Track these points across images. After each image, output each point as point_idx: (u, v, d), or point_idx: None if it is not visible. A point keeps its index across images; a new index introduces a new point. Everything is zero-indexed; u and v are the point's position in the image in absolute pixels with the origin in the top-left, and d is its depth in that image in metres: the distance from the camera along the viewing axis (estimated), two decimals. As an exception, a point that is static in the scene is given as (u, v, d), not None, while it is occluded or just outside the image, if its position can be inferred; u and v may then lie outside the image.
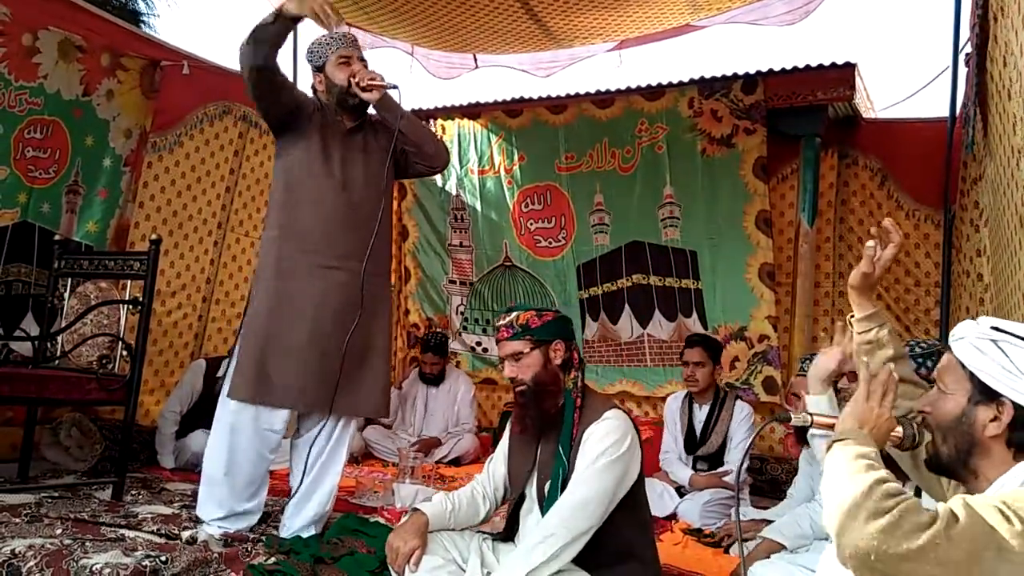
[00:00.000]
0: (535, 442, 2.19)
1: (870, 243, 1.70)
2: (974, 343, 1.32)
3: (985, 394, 1.30)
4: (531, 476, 2.19)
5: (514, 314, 2.18)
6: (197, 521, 2.66)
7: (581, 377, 2.18)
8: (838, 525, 1.13)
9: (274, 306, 2.57)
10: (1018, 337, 1.29)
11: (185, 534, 2.53)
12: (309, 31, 5.53)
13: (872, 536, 1.07)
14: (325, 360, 2.57)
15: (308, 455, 2.65)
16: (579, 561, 1.98)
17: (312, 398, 2.56)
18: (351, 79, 2.62)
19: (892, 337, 1.70)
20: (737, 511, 1.40)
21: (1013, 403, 1.26)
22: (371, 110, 2.78)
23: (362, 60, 2.72)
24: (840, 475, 1.20)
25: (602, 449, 2.01)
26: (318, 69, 2.73)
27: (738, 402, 3.86)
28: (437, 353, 5.05)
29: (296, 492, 2.68)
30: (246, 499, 2.62)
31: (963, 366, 1.33)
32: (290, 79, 2.69)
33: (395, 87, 2.65)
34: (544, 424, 2.14)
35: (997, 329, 1.31)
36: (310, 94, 2.79)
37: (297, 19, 2.49)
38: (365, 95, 2.63)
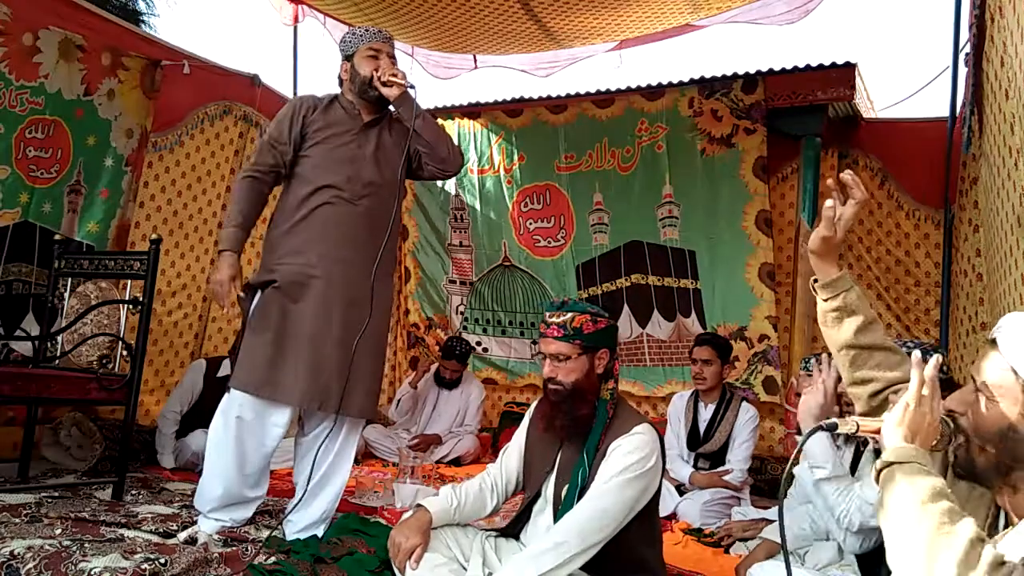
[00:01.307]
0: (558, 443, 2.17)
1: (828, 202, 1.52)
2: None
3: None
4: (549, 477, 2.16)
5: (570, 315, 2.08)
6: (195, 512, 2.65)
7: (616, 387, 2.15)
8: None
9: (280, 302, 2.56)
10: None
11: (183, 534, 2.52)
12: (308, 35, 5.53)
13: None
14: (329, 360, 2.55)
15: (316, 454, 2.63)
16: (588, 568, 1.96)
17: (314, 396, 2.55)
18: (374, 72, 2.63)
19: (861, 301, 1.55)
20: (780, 512, 1.33)
21: None
22: (391, 108, 2.77)
23: (391, 57, 2.72)
24: (918, 522, 1.04)
25: (627, 464, 1.99)
26: (347, 58, 2.73)
27: (744, 404, 3.86)
28: (460, 362, 5.09)
29: (303, 491, 2.65)
30: (249, 487, 2.60)
31: (1016, 374, 1.16)
32: (273, 173, 2.70)
33: (412, 87, 2.65)
34: (572, 429, 2.10)
35: None
36: (336, 82, 2.80)
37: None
38: (384, 90, 2.62)
